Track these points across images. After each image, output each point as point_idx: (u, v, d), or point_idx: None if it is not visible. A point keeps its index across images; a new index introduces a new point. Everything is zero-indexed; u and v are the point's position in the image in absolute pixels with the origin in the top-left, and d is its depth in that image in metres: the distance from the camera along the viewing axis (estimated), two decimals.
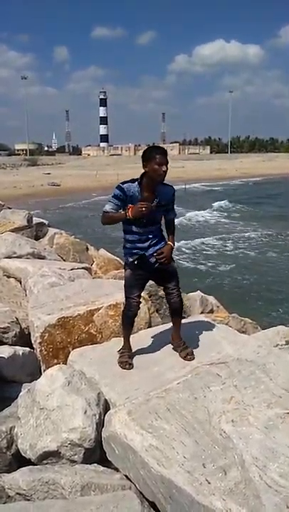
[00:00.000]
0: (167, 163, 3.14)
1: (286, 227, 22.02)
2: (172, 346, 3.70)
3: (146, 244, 3.35)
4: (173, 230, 3.50)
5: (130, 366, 3.46)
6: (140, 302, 3.53)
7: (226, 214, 28.48)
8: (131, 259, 3.39)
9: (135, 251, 3.36)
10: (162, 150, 3.18)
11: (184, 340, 3.65)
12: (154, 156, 3.10)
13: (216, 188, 46.36)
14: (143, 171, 3.19)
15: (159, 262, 3.33)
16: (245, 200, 34.66)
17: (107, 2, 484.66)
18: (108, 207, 3.24)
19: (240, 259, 15.97)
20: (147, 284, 3.80)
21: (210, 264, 15.05)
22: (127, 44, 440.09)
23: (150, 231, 3.35)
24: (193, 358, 3.51)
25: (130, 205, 3.15)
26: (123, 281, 3.56)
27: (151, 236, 3.36)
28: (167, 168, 3.14)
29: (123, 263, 3.63)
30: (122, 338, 3.66)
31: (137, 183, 3.22)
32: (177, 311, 3.60)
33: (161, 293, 4.99)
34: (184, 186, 39.60)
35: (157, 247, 3.35)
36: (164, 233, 3.50)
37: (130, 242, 3.37)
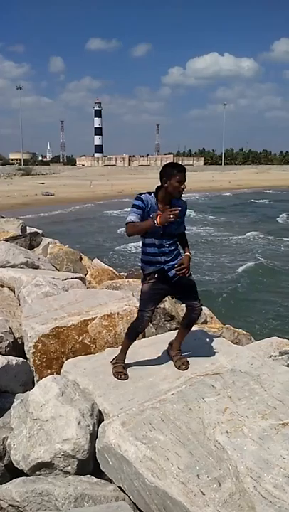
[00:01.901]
0: (186, 180, 3.25)
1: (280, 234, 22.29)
2: (169, 353, 3.71)
3: (165, 257, 3.37)
4: (187, 242, 3.56)
5: (126, 376, 3.44)
6: (152, 318, 3.51)
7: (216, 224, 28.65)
8: (150, 270, 3.40)
9: (155, 263, 3.39)
10: (183, 168, 3.27)
11: (180, 350, 3.65)
12: (176, 173, 3.20)
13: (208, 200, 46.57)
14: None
15: (179, 274, 3.34)
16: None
17: (102, 14, 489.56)
18: (132, 217, 3.23)
19: (231, 269, 16.00)
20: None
21: (202, 274, 15.06)
22: (121, 56, 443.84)
23: (168, 244, 3.39)
24: (188, 368, 3.51)
25: (159, 212, 3.17)
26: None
27: (169, 249, 3.39)
28: (185, 186, 3.25)
29: (141, 276, 3.60)
30: (120, 348, 3.64)
31: (153, 195, 3.30)
32: (192, 324, 3.63)
33: None
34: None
35: (175, 261, 3.38)
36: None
37: (150, 255, 3.39)
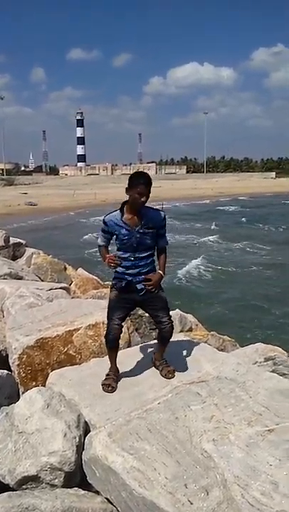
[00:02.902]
0: (147, 193, 3.22)
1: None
2: (154, 364, 3.70)
3: (136, 270, 3.37)
4: (164, 260, 3.51)
5: (112, 390, 3.40)
6: (122, 326, 3.49)
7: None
8: (118, 283, 3.43)
9: (124, 276, 3.39)
10: (146, 180, 3.23)
11: (165, 359, 3.65)
12: (137, 185, 3.20)
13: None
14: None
15: (146, 288, 3.36)
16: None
17: (82, 25, 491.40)
18: (99, 240, 3.50)
19: (216, 276, 16.10)
20: None
21: (187, 282, 15.12)
22: (102, 66, 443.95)
23: (141, 257, 3.37)
24: (174, 376, 3.50)
25: (109, 256, 3.34)
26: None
27: (142, 263, 3.38)
28: (147, 198, 3.23)
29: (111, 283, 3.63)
30: (106, 358, 3.64)
31: (118, 211, 3.34)
32: (166, 339, 3.57)
33: (140, 312, 5.00)
34: (160, 205, 39.94)
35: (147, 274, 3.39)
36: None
37: (121, 267, 3.38)
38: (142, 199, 3.21)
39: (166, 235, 3.49)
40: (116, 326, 3.43)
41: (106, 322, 4.16)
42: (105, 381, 3.46)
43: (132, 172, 3.79)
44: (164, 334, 3.53)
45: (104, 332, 3.58)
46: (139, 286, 3.38)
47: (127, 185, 3.24)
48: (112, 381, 3.46)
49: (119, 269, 3.39)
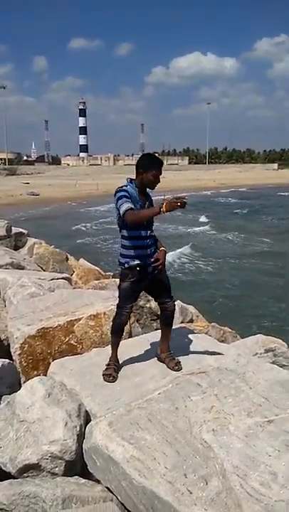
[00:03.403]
0: (161, 174, 3.29)
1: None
2: (158, 357, 3.71)
3: (148, 251, 3.38)
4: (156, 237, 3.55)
5: (113, 379, 3.42)
6: (131, 313, 3.56)
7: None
8: (135, 264, 3.34)
9: (141, 257, 3.36)
10: (159, 163, 3.30)
11: (171, 351, 3.66)
12: (153, 168, 3.24)
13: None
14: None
15: (158, 268, 3.39)
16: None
17: (85, 14, 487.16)
18: (129, 205, 3.17)
19: (217, 268, 16.11)
20: None
21: (188, 273, 15.13)
22: (104, 55, 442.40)
23: (150, 236, 3.42)
24: (181, 368, 3.52)
25: (166, 199, 3.03)
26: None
27: (151, 242, 3.42)
28: (160, 180, 3.29)
29: (119, 274, 3.60)
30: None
31: (133, 185, 3.31)
32: (170, 320, 3.64)
33: (142, 303, 5.01)
34: (162, 196, 39.91)
35: (154, 255, 3.42)
36: None
37: (136, 248, 3.35)
38: (157, 181, 3.28)
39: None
40: (126, 313, 3.49)
41: (106, 313, 4.20)
42: (106, 371, 3.48)
43: (134, 162, 3.76)
44: (167, 314, 3.59)
45: (110, 321, 3.61)
46: (149, 269, 3.39)
47: (139, 165, 3.27)
48: (112, 371, 3.48)
49: (136, 251, 3.35)
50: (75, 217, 30.71)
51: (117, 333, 3.57)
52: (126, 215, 3.16)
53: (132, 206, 3.17)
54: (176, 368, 3.52)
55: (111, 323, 3.67)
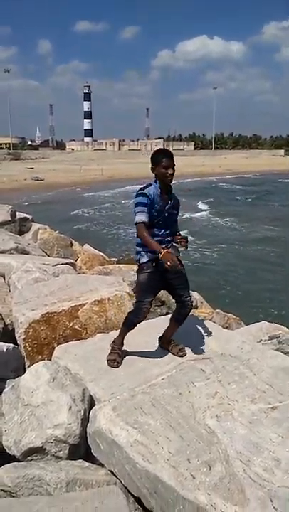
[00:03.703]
0: (174, 165, 3.26)
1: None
2: (161, 343, 3.70)
3: (165, 246, 3.30)
4: None
5: (118, 365, 3.43)
6: (149, 310, 3.37)
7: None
8: (149, 258, 3.30)
9: (149, 254, 3.30)
10: (168, 153, 3.30)
11: (173, 339, 3.65)
12: (161, 159, 3.23)
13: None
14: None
15: (183, 244, 3.32)
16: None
17: None
18: (142, 217, 3.19)
19: (221, 254, 16.09)
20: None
21: (192, 260, 15.11)
22: (110, 39, 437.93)
23: (167, 234, 3.38)
24: (185, 354, 3.51)
25: (166, 251, 3.09)
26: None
27: (168, 239, 3.37)
28: (174, 171, 3.26)
29: (136, 268, 3.52)
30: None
31: (156, 185, 3.29)
32: (184, 318, 3.53)
33: None
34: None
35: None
36: None
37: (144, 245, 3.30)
38: (170, 171, 3.24)
39: None
40: (146, 309, 3.32)
41: (111, 298, 4.19)
42: (110, 356, 3.49)
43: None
44: (184, 313, 3.48)
45: (116, 305, 3.56)
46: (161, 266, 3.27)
47: (151, 165, 3.28)
48: (117, 356, 3.48)
49: (146, 248, 3.29)
50: (79, 202, 30.71)
51: (131, 327, 3.47)
52: (137, 228, 3.23)
53: (146, 220, 3.19)
54: (181, 353, 3.52)
55: (126, 315, 3.56)
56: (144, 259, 3.33)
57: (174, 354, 3.54)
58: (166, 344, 3.66)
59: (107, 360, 3.46)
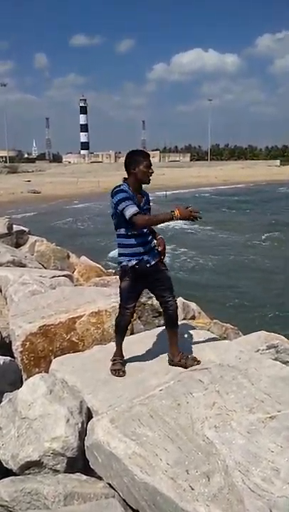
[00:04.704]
0: (151, 165, 3.34)
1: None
2: (171, 363, 3.58)
3: (148, 246, 3.39)
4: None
5: (123, 374, 3.45)
6: (134, 312, 3.55)
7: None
8: (133, 263, 3.34)
9: (137, 254, 3.35)
10: (147, 154, 3.41)
11: (181, 351, 3.59)
12: (142, 159, 3.29)
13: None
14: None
15: (161, 252, 3.41)
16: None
17: (84, 10, 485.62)
18: (134, 208, 3.20)
19: (219, 265, 16.10)
20: None
21: (189, 270, 15.13)
22: (106, 52, 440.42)
23: (149, 232, 3.44)
24: (200, 362, 3.50)
25: (179, 207, 3.12)
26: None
27: (150, 238, 3.44)
28: (153, 171, 3.34)
29: (118, 273, 3.62)
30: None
31: (126, 184, 3.33)
32: (173, 320, 3.55)
33: (144, 299, 5.01)
34: (164, 193, 39.91)
35: (154, 251, 3.43)
36: None
37: (132, 246, 3.35)
38: (151, 171, 3.31)
39: None
40: (128, 314, 3.48)
41: (108, 310, 4.20)
42: (114, 366, 3.50)
43: None
44: (170, 313, 3.51)
45: (114, 317, 3.61)
46: (151, 262, 3.37)
47: (128, 164, 3.31)
48: (120, 365, 3.51)
49: (135, 249, 3.35)
50: (76, 214, 30.79)
51: (121, 332, 3.57)
52: (135, 220, 3.19)
53: (137, 209, 3.19)
54: (194, 363, 3.49)
55: (114, 323, 3.65)
56: (129, 264, 3.35)
57: (189, 366, 3.46)
58: (178, 360, 3.55)
59: (111, 370, 3.48)
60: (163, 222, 3.26)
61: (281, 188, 55.96)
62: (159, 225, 3.41)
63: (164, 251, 3.47)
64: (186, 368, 3.47)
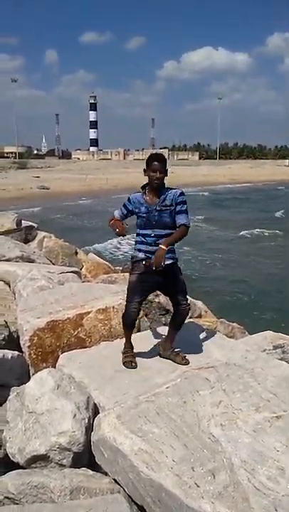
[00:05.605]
0: (161, 169, 3.37)
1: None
2: (161, 355, 3.69)
3: (154, 248, 3.39)
4: (176, 235, 3.39)
5: (135, 366, 3.51)
6: (140, 309, 3.57)
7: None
8: (139, 258, 3.47)
9: (144, 251, 3.46)
10: (158, 157, 3.43)
11: (173, 348, 3.67)
12: (150, 163, 3.39)
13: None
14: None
15: (150, 264, 3.36)
16: None
17: (95, 7, 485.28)
18: (116, 213, 3.59)
19: (226, 264, 16.06)
20: None
21: (196, 269, 15.10)
22: (115, 49, 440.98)
23: (161, 236, 3.40)
24: (188, 362, 3.52)
25: (116, 221, 3.53)
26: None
27: (156, 240, 3.41)
28: (161, 174, 3.37)
29: (129, 266, 3.71)
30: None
31: (142, 191, 3.51)
32: (180, 322, 3.65)
33: (151, 297, 5.01)
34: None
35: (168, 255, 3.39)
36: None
37: (139, 243, 3.51)
38: (157, 175, 3.36)
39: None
40: (134, 309, 3.50)
41: (115, 307, 4.22)
42: (126, 358, 3.56)
43: (144, 157, 3.85)
44: (180, 316, 3.60)
45: (121, 314, 3.66)
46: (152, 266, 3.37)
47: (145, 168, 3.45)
48: (132, 357, 3.56)
49: (141, 246, 3.47)
50: (85, 211, 30.81)
51: (128, 327, 3.61)
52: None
53: (117, 216, 3.56)
54: (184, 362, 3.53)
55: (121, 319, 3.69)
56: (136, 258, 3.50)
57: (177, 363, 3.54)
58: (168, 354, 3.65)
59: (123, 363, 3.54)
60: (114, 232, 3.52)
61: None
62: None
63: (157, 261, 3.28)
64: (176, 362, 3.56)
